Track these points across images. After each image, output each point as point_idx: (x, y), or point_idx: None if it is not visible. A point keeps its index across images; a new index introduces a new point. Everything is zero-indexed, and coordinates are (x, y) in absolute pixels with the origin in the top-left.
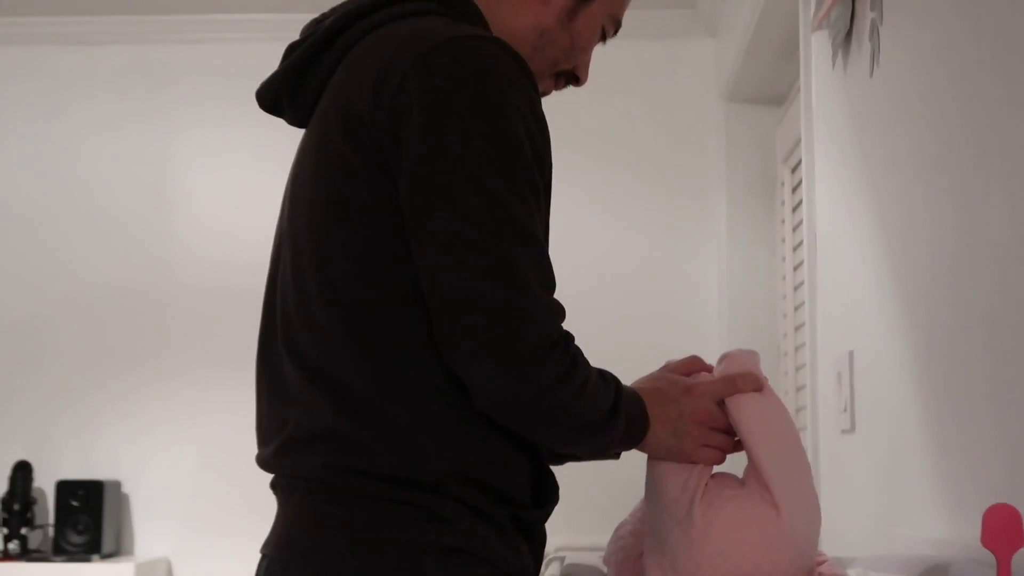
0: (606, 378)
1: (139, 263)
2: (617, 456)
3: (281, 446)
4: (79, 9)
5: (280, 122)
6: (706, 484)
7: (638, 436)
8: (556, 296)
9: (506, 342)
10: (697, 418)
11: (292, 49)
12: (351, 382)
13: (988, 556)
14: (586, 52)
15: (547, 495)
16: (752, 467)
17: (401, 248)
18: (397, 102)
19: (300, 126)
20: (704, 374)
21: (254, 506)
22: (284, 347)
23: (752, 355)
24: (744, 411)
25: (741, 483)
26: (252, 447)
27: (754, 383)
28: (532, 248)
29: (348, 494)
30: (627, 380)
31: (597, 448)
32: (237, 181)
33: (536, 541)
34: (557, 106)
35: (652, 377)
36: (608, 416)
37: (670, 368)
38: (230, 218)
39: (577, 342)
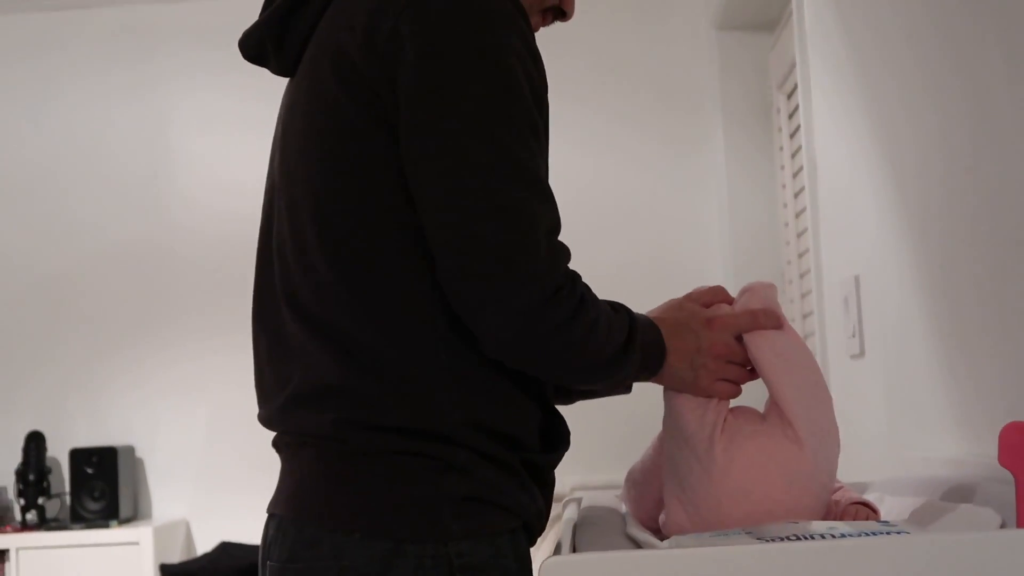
0: (618, 310)
1: (140, 234)
2: (629, 389)
3: (286, 403)
4: None
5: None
6: (725, 419)
7: (654, 366)
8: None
9: (512, 287)
10: (715, 352)
11: None
12: (356, 335)
13: (1004, 474)
14: None
15: (558, 440)
16: (773, 403)
17: (401, 196)
18: (391, 46)
19: (285, 75)
20: (724, 306)
21: (269, 464)
22: (284, 302)
23: (771, 288)
24: (764, 346)
25: (762, 418)
26: None
27: (775, 320)
28: (536, 190)
29: (360, 449)
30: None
31: (615, 382)
32: (233, 136)
33: (547, 485)
34: (548, 43)
35: (673, 306)
36: (623, 349)
37: (693, 297)
38: (232, 186)
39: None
